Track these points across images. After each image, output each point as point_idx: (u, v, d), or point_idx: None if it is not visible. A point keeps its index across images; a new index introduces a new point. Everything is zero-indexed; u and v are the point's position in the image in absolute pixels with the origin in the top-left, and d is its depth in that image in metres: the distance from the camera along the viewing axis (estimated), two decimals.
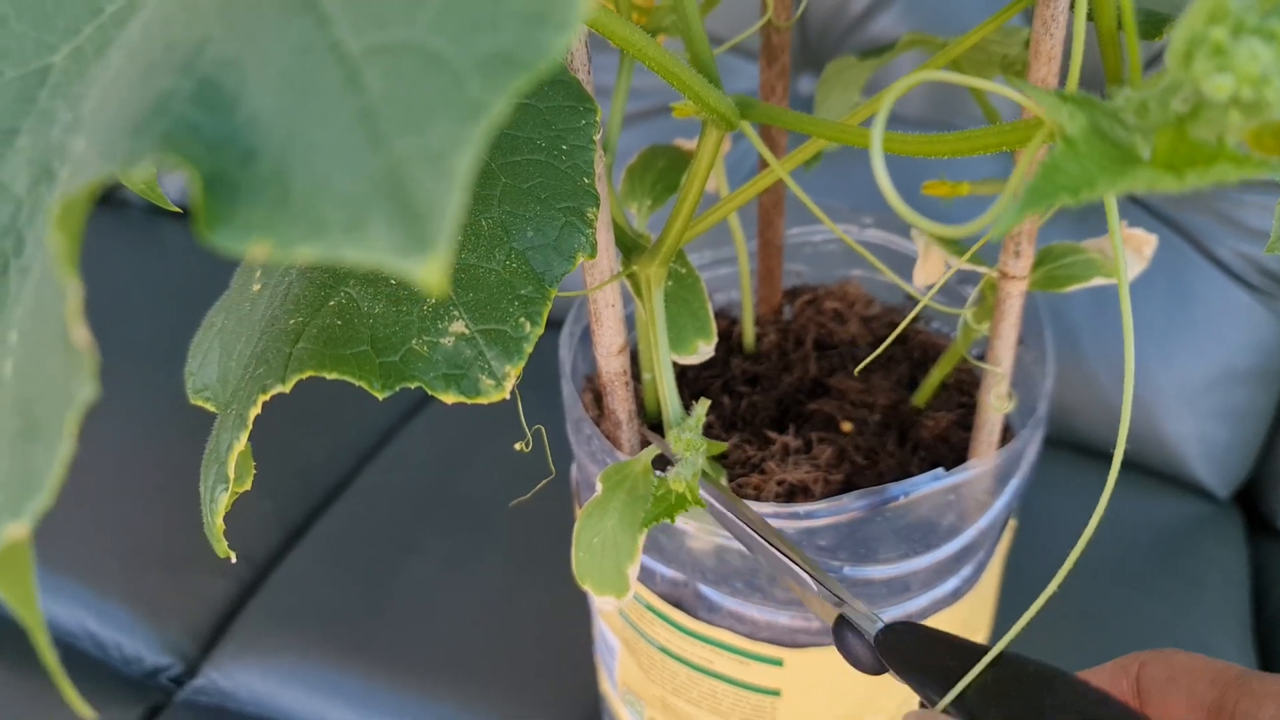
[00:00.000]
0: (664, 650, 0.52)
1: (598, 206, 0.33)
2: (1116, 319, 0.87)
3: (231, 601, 0.79)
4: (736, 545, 0.46)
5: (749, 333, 0.58)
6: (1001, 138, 0.27)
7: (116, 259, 1.11)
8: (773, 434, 0.53)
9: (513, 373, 0.30)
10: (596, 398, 0.52)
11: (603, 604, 0.43)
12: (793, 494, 0.49)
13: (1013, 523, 0.54)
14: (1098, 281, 0.48)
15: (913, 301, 0.60)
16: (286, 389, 0.28)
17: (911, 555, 0.45)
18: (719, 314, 0.61)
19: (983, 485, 0.46)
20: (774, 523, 0.44)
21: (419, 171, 0.15)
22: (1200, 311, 0.86)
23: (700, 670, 0.51)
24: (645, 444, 0.49)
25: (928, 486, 0.43)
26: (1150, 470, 0.89)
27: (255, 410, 0.29)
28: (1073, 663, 0.36)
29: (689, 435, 0.39)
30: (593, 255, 0.33)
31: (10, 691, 0.71)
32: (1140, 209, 0.89)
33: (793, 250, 0.60)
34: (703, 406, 0.43)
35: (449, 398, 0.29)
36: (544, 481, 0.42)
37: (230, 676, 0.73)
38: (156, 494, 0.84)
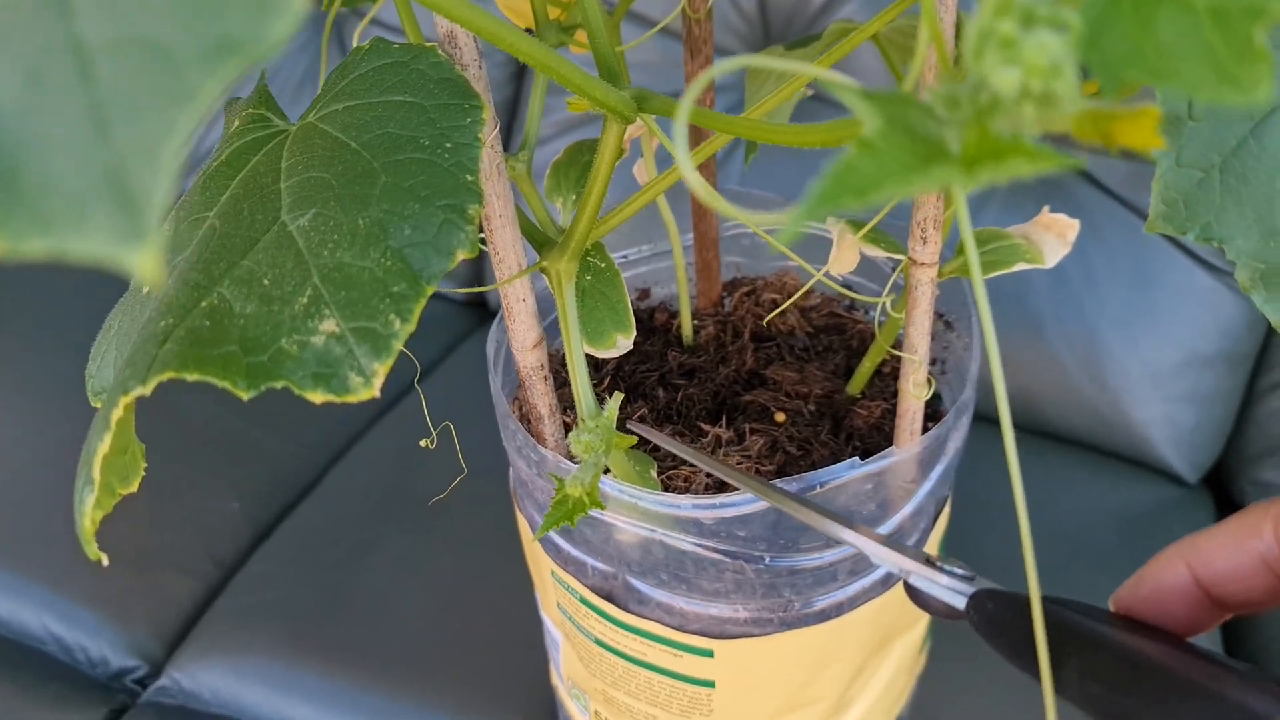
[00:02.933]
0: (599, 643, 0.52)
1: (480, 204, 0.33)
2: (1080, 304, 0.86)
3: (198, 602, 0.79)
4: (661, 537, 0.46)
5: (687, 325, 0.58)
6: (831, 134, 0.27)
7: None
8: (705, 425, 0.53)
9: (381, 370, 0.30)
10: None
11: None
12: (723, 486, 0.49)
13: (948, 510, 0.54)
14: (1021, 267, 0.48)
15: (851, 292, 0.60)
16: (147, 391, 0.28)
17: (833, 545, 0.45)
18: (660, 307, 0.61)
19: (904, 473, 0.46)
20: (693, 514, 0.44)
21: (137, 162, 0.15)
22: (1165, 295, 0.86)
23: (635, 662, 0.52)
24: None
25: (845, 475, 0.43)
26: (1118, 455, 0.89)
27: (118, 413, 0.29)
28: None
29: (587, 437, 0.39)
30: (473, 252, 0.33)
31: None
32: (1102, 192, 0.88)
33: (730, 242, 0.60)
34: (615, 401, 0.43)
35: (317, 397, 0.30)
36: (457, 479, 0.43)
37: (193, 677, 0.73)
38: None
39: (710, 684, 0.51)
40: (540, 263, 0.43)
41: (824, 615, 0.49)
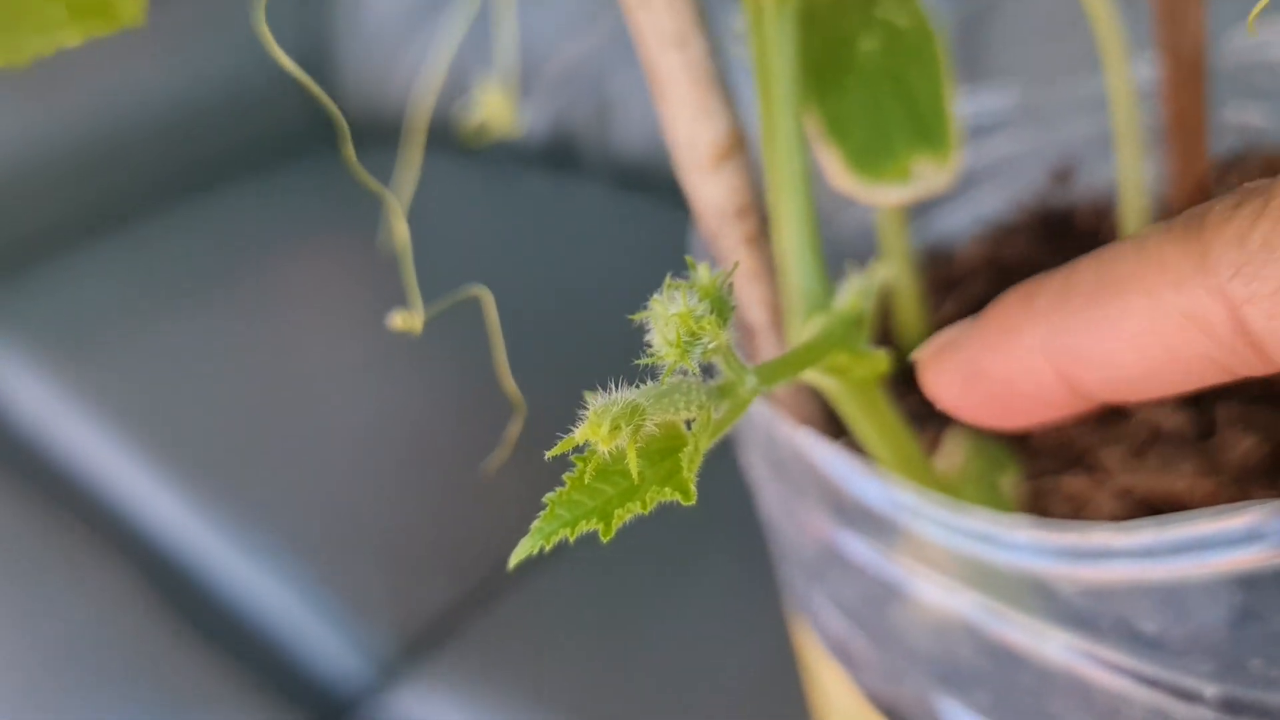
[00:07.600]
0: None
1: None
2: None
3: (462, 615, 0.62)
4: (991, 626, 0.20)
5: (1133, 227, 0.31)
6: None
7: (474, 207, 1.01)
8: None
9: None
10: None
11: None
12: (1154, 514, 0.22)
13: None
14: None
15: None
16: None
17: None
18: (1089, 205, 0.34)
19: None
20: (1078, 570, 0.18)
21: None
22: None
23: None
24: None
25: None
26: None
27: None
28: None
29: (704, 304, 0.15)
30: None
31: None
32: None
33: (1235, 77, 0.32)
34: (875, 276, 0.18)
35: None
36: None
37: (409, 707, 0.57)
38: (414, 479, 0.70)
39: None
40: None
41: None
